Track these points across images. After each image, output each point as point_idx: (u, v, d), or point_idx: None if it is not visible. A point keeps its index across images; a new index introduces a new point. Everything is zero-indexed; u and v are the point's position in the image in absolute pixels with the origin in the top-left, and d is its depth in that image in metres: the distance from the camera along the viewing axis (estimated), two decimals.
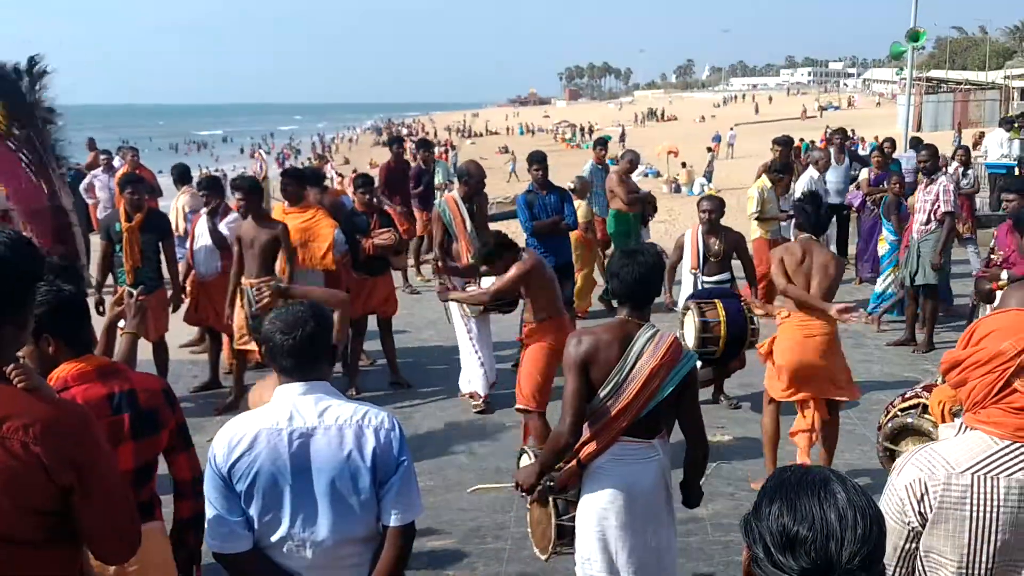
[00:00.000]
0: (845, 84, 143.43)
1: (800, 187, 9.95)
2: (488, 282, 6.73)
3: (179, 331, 8.19)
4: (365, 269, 7.63)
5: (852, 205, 11.08)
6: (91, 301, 5.90)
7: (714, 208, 6.95)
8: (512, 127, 77.44)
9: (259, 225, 6.79)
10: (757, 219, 9.42)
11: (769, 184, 9.49)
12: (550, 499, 3.67)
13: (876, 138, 24.06)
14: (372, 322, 7.92)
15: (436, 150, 15.10)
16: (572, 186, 9.80)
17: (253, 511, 2.60)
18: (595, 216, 10.32)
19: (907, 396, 4.67)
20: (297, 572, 2.64)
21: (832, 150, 11.64)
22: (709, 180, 27.96)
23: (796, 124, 53.14)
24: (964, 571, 2.12)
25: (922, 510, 2.11)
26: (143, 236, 7.06)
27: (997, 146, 16.13)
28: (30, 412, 2.02)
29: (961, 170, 11.78)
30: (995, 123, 22.80)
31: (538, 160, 8.13)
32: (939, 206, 8.22)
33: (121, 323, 3.65)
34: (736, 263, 7.14)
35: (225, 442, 2.60)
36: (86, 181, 13.24)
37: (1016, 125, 16.97)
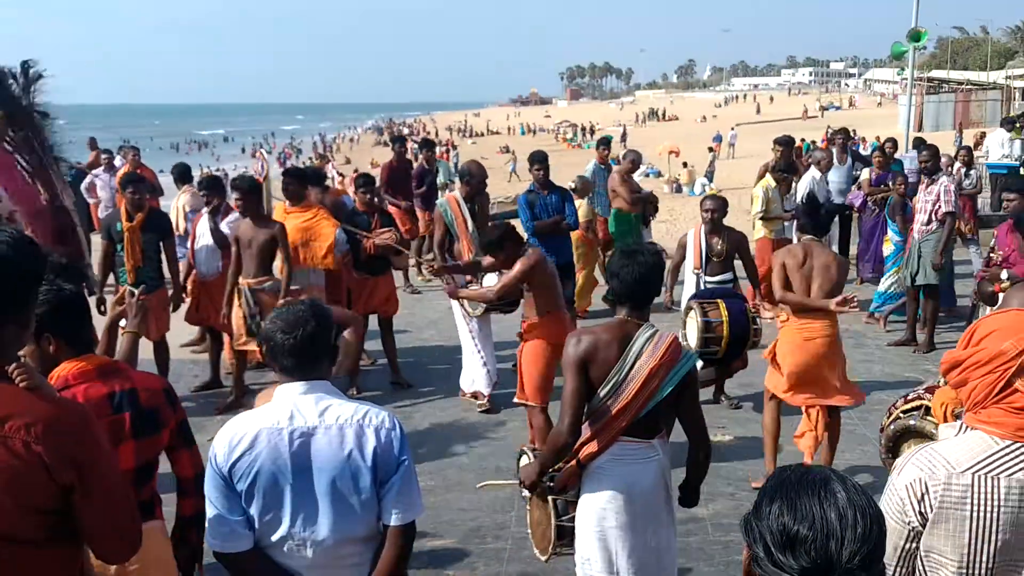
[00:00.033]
0: (846, 84, 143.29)
1: (802, 187, 9.94)
2: (490, 280, 6.74)
3: (180, 330, 8.19)
4: (366, 269, 7.64)
5: (853, 205, 11.06)
6: (92, 301, 5.91)
7: (717, 208, 6.95)
8: (513, 127, 77.42)
9: (257, 225, 6.80)
10: (762, 218, 9.43)
11: (774, 184, 9.50)
12: (550, 500, 3.67)
13: (877, 138, 24.05)
14: (373, 321, 7.93)
15: (437, 150, 15.09)
16: (573, 186, 9.80)
17: (254, 510, 2.60)
18: (597, 216, 10.32)
19: (909, 398, 4.66)
20: (298, 571, 2.64)
21: (835, 150, 11.63)
22: (710, 180, 27.97)
23: (797, 124, 53.12)
24: (964, 571, 2.12)
25: (922, 510, 2.11)
26: (144, 236, 7.06)
27: (998, 146, 16.11)
28: (32, 411, 2.02)
29: (963, 170, 11.77)
30: (996, 123, 22.77)
31: (539, 160, 8.13)
32: (940, 206, 8.22)
33: (122, 322, 3.65)
34: (738, 263, 7.14)
35: (226, 441, 2.60)
36: (87, 180, 13.25)
37: (1017, 125, 16.96)
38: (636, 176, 11.06)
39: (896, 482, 2.18)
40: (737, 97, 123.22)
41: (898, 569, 2.17)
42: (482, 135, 72.19)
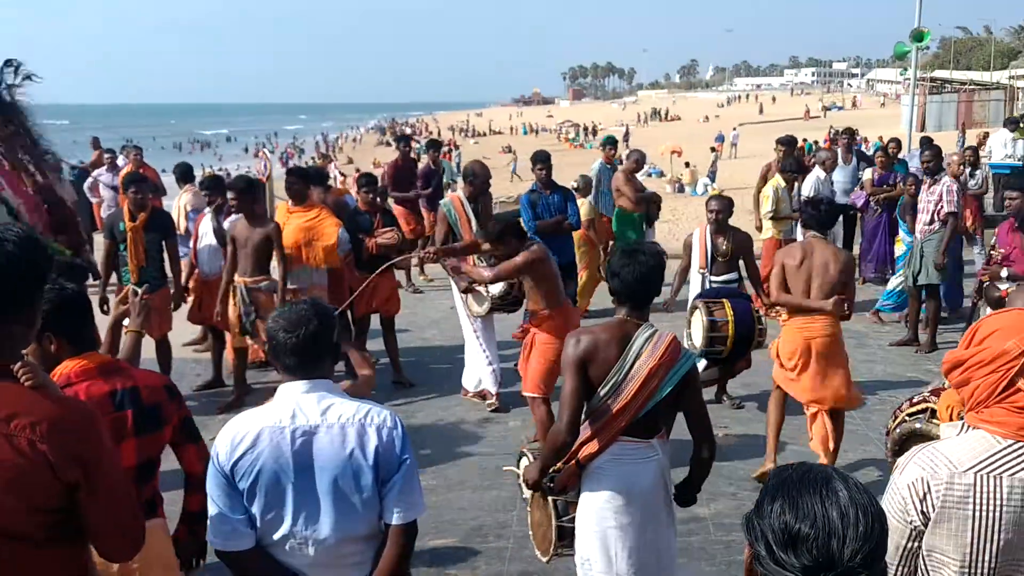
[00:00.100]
0: (849, 84, 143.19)
1: (807, 187, 9.94)
2: (497, 290, 6.76)
3: (182, 330, 8.20)
4: (368, 268, 7.64)
5: (856, 205, 11.05)
6: (95, 300, 5.92)
7: (722, 208, 6.95)
8: (516, 127, 77.40)
9: (252, 224, 6.83)
10: (772, 218, 9.43)
11: (783, 183, 9.50)
12: (550, 500, 3.66)
13: (880, 139, 24.06)
14: (375, 321, 7.93)
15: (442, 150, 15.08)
16: (576, 185, 9.80)
17: (256, 509, 2.60)
18: (599, 215, 10.32)
19: (915, 401, 4.65)
20: (299, 570, 2.65)
21: (839, 150, 11.63)
22: (713, 180, 27.96)
23: (799, 124, 53.11)
24: (967, 570, 2.11)
25: (924, 509, 2.11)
26: (147, 235, 7.09)
27: (1001, 146, 16.09)
28: (36, 410, 2.03)
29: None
30: (999, 123, 22.72)
31: (542, 160, 8.13)
32: (942, 206, 8.21)
33: (126, 321, 3.66)
34: (739, 263, 7.15)
35: (228, 440, 2.60)
36: (90, 180, 13.27)
37: (1021, 125, 16.90)
38: (638, 176, 11.04)
39: (898, 481, 2.18)
40: (740, 97, 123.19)
41: (900, 568, 2.17)
42: (484, 135, 72.18)
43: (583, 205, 9.28)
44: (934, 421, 4.35)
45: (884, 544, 1.49)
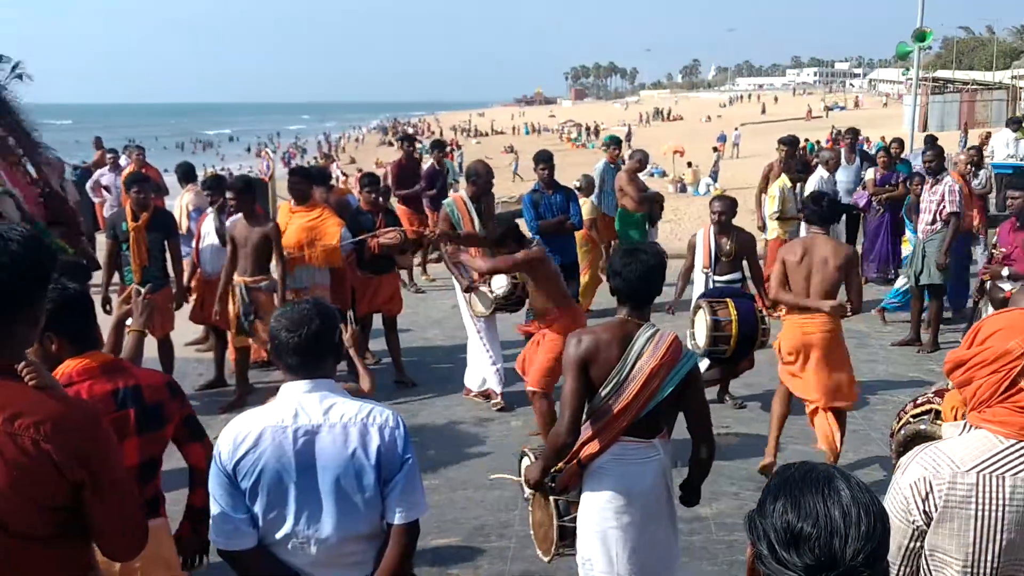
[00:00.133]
0: (851, 84, 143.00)
1: (810, 187, 9.94)
2: (499, 282, 6.77)
3: (185, 329, 8.21)
4: (370, 268, 7.65)
5: (858, 205, 11.05)
6: (97, 299, 5.93)
7: (725, 209, 6.95)
8: (518, 127, 77.37)
9: (251, 224, 6.85)
10: (778, 218, 9.42)
11: (789, 184, 9.49)
12: (551, 500, 3.66)
13: (883, 139, 24.03)
14: (377, 321, 7.93)
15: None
16: (578, 185, 9.80)
17: (258, 508, 2.60)
18: (601, 215, 10.31)
19: (919, 402, 4.65)
20: (301, 569, 2.65)
21: (843, 150, 11.63)
22: (715, 180, 27.96)
23: (801, 124, 53.08)
24: (969, 570, 2.11)
25: (927, 509, 2.11)
26: (149, 235, 7.10)
27: (1004, 146, 16.07)
28: (41, 409, 2.03)
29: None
30: (1002, 123, 22.70)
31: (544, 159, 8.13)
32: (944, 206, 8.21)
33: (128, 321, 3.67)
34: (743, 263, 7.15)
35: (230, 439, 2.60)
36: (92, 179, 13.28)
37: (1023, 125, 16.90)
38: (641, 176, 11.05)
39: (900, 481, 2.18)
40: (742, 97, 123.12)
41: (902, 568, 2.17)
42: (486, 135, 72.15)
43: (585, 205, 9.28)
44: (938, 422, 4.34)
45: (886, 543, 1.49)
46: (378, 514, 2.66)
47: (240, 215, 6.91)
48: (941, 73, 55.05)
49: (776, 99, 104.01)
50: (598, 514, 3.44)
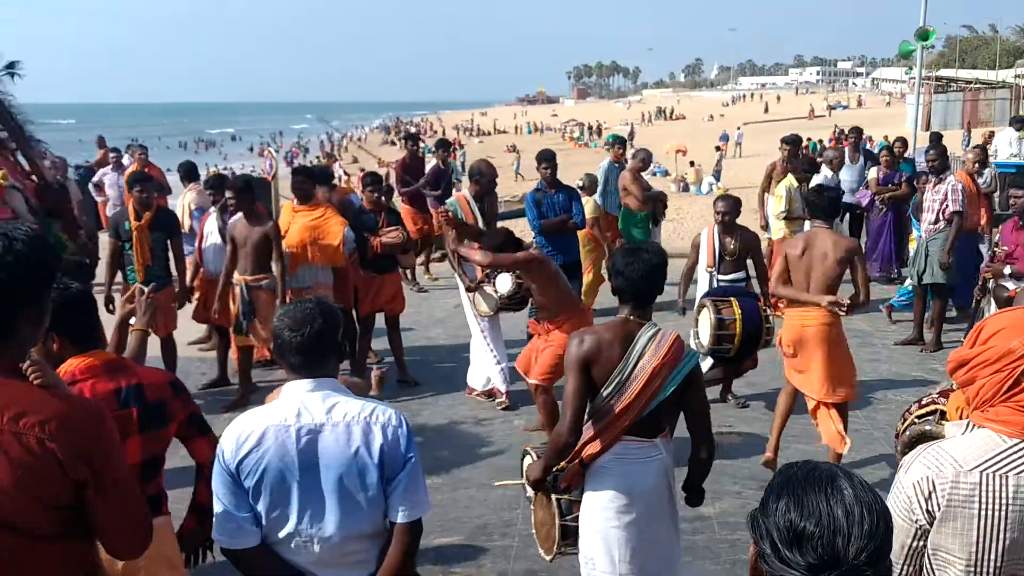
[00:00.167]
0: (854, 83, 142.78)
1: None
2: (503, 281, 6.77)
3: (188, 328, 8.22)
4: (373, 267, 7.65)
5: (861, 204, 11.05)
6: (100, 299, 5.95)
7: (728, 209, 6.95)
8: (520, 126, 77.40)
9: (251, 224, 6.86)
10: (785, 218, 9.41)
11: (796, 183, 9.48)
12: (553, 499, 3.66)
13: (885, 138, 24.00)
14: (380, 320, 7.94)
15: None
16: (581, 184, 9.79)
17: (261, 507, 2.60)
18: (604, 213, 10.30)
19: (924, 403, 4.64)
20: (304, 568, 2.65)
21: (847, 149, 11.61)
22: (717, 179, 27.95)
23: (804, 123, 53.04)
24: (972, 569, 2.11)
25: (930, 508, 2.11)
26: (152, 234, 7.11)
27: (1007, 145, 16.04)
28: (45, 408, 2.03)
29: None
30: (1005, 122, 22.64)
31: (547, 158, 8.13)
32: (947, 205, 8.20)
33: (132, 320, 3.68)
34: (749, 262, 7.15)
35: (233, 438, 2.61)
36: (95, 179, 13.30)
37: None
38: (644, 175, 11.04)
39: (903, 480, 2.17)
40: (744, 96, 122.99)
41: (905, 567, 2.16)
42: (489, 134, 72.17)
43: (588, 204, 9.28)
44: (943, 423, 4.34)
45: (889, 542, 1.49)
46: (381, 513, 2.66)
47: (240, 214, 6.92)
48: (944, 72, 54.88)
49: (779, 98, 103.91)
50: (600, 513, 3.44)
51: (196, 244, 7.88)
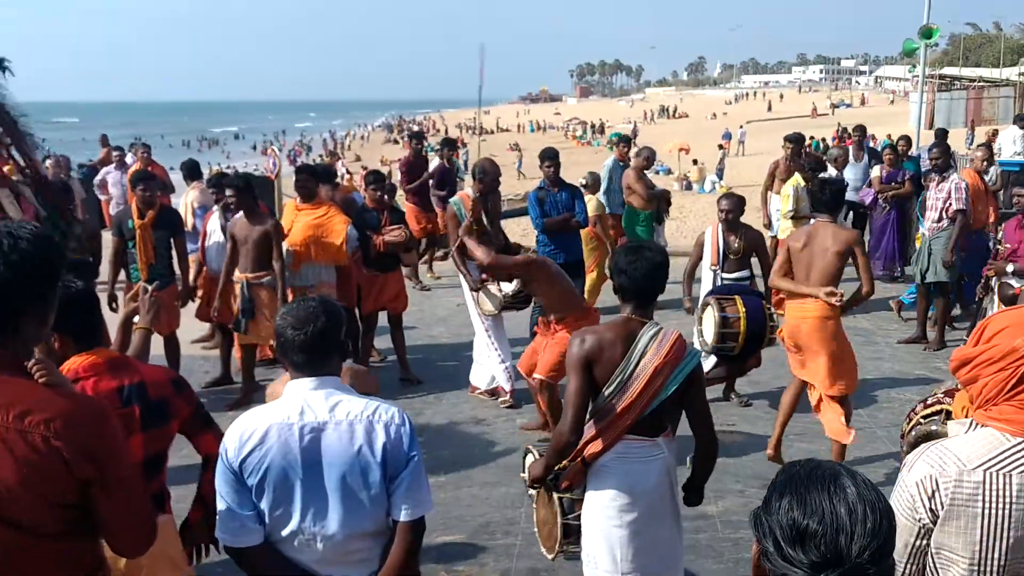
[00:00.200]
0: (857, 82, 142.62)
1: None
2: (505, 288, 6.79)
3: (191, 327, 8.23)
4: (376, 266, 7.66)
5: (864, 203, 11.03)
6: (103, 297, 5.96)
7: (732, 208, 6.95)
8: (523, 124, 77.40)
9: (251, 222, 6.88)
10: (792, 217, 9.40)
11: (803, 183, 9.46)
12: (555, 498, 3.66)
13: (889, 136, 23.95)
14: (383, 318, 7.94)
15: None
16: (584, 182, 9.79)
17: (264, 505, 2.61)
18: (611, 213, 10.30)
19: (929, 403, 4.64)
20: (307, 566, 2.65)
21: (851, 147, 11.60)
22: (720, 178, 27.93)
23: (807, 122, 52.99)
24: (976, 568, 2.11)
25: (933, 507, 2.11)
26: (155, 232, 7.12)
27: (1011, 143, 16.01)
28: (51, 407, 2.04)
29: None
30: (1009, 120, 22.63)
31: (550, 157, 8.12)
32: (951, 203, 8.19)
33: (135, 318, 3.68)
34: (754, 260, 7.14)
35: (236, 437, 2.61)
36: (98, 177, 13.31)
37: None
38: (647, 173, 11.03)
39: (906, 479, 2.17)
40: (747, 94, 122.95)
41: (909, 566, 2.16)
42: (492, 132, 72.15)
43: (591, 202, 9.27)
44: (949, 423, 4.33)
45: (892, 540, 1.49)
46: (384, 511, 2.66)
47: (241, 212, 6.94)
48: (948, 70, 54.80)
49: (782, 96, 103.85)
50: (602, 512, 3.44)
51: (199, 243, 7.89)
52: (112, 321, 3.62)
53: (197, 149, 64.27)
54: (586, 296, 9.03)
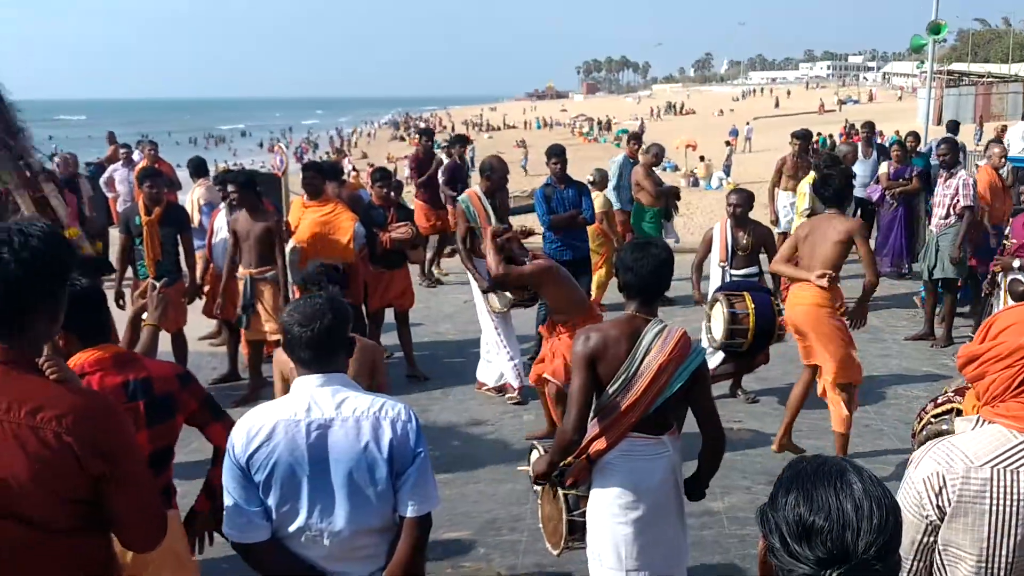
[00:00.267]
0: (865, 78, 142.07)
1: None
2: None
3: (198, 324, 8.25)
4: (382, 263, 7.67)
5: (872, 199, 11.00)
6: (110, 294, 5.98)
7: (741, 202, 6.95)
8: (529, 121, 77.33)
9: (253, 218, 6.89)
10: (808, 215, 9.38)
11: None
12: (560, 495, 3.66)
13: (897, 132, 23.88)
14: (389, 315, 7.95)
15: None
16: (591, 179, 9.78)
17: (271, 501, 2.62)
18: (620, 210, 10.28)
19: (939, 402, 4.62)
20: (314, 562, 2.66)
21: (860, 144, 11.56)
22: (727, 174, 27.88)
23: (814, 118, 52.83)
24: (984, 565, 2.10)
25: (940, 503, 2.10)
26: (162, 229, 7.14)
27: (1020, 139, 15.95)
28: (62, 403, 2.05)
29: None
30: (1018, 116, 22.53)
31: (557, 154, 8.11)
32: (958, 200, 8.17)
33: (144, 315, 3.70)
34: (763, 256, 7.13)
35: (243, 433, 2.62)
36: (106, 175, 13.33)
37: None
38: (655, 170, 11.02)
39: (913, 476, 2.17)
40: (754, 91, 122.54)
41: (915, 563, 2.16)
42: (498, 129, 72.12)
43: (597, 199, 9.26)
44: (956, 420, 4.32)
45: (898, 537, 1.49)
46: (390, 507, 2.67)
47: (243, 209, 6.95)
48: (956, 66, 54.48)
49: (789, 93, 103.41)
50: (606, 510, 3.44)
51: (206, 239, 7.91)
52: (120, 318, 3.64)
53: (204, 146, 64.38)
54: (594, 292, 9.04)
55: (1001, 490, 2.07)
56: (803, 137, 10.65)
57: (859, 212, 11.19)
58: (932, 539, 2.13)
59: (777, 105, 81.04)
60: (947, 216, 8.26)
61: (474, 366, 7.49)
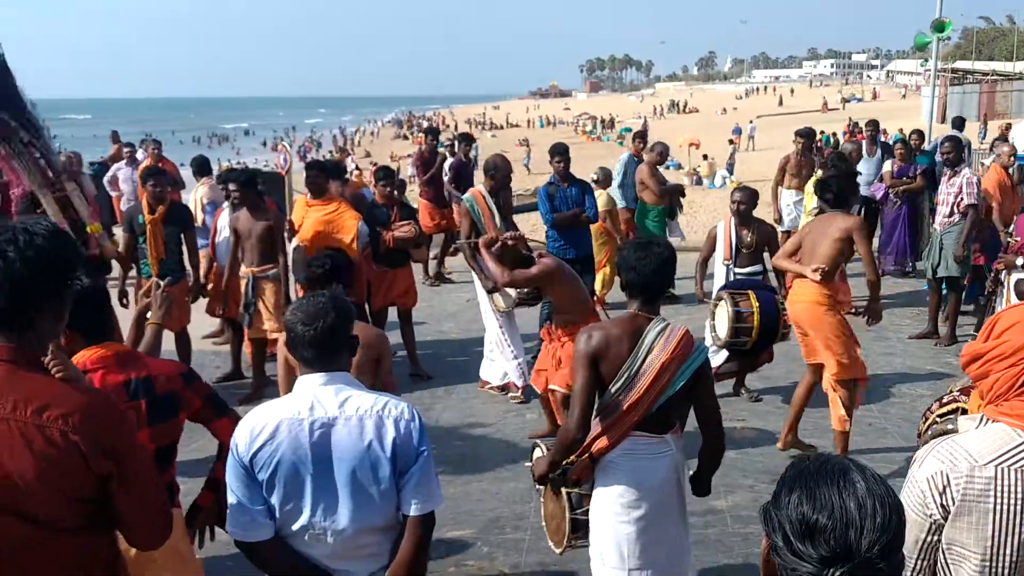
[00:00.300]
0: (868, 76, 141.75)
1: None
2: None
3: (201, 322, 8.26)
4: (385, 261, 7.67)
5: (875, 197, 10.98)
6: (114, 293, 5.99)
7: (745, 200, 6.95)
8: (533, 120, 77.30)
9: (255, 217, 6.91)
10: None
11: None
12: (564, 493, 3.66)
13: (901, 131, 23.84)
14: (392, 314, 7.96)
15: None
16: (595, 177, 9.78)
17: (274, 500, 2.62)
18: (624, 208, 10.27)
19: (945, 401, 4.61)
20: (318, 560, 2.66)
21: (864, 142, 11.53)
22: (731, 172, 27.84)
23: (818, 117, 52.78)
24: (988, 564, 2.10)
25: (944, 502, 2.10)
26: (166, 228, 7.15)
27: (1023, 138, 15.93)
28: (68, 402, 2.05)
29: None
30: (1022, 114, 22.48)
31: (560, 152, 8.11)
32: (962, 198, 8.15)
33: (148, 314, 3.70)
34: (766, 255, 7.13)
35: (247, 431, 2.62)
36: (109, 174, 13.37)
37: None
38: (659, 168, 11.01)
39: (917, 475, 2.16)
40: (758, 89, 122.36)
41: (920, 562, 2.15)
42: (502, 128, 72.12)
43: (601, 197, 9.26)
44: (960, 418, 4.31)
45: (901, 535, 1.49)
46: (394, 506, 2.67)
47: (244, 207, 6.97)
48: (960, 64, 54.45)
49: (792, 91, 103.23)
50: (609, 509, 3.44)
51: (209, 238, 7.91)
52: (124, 317, 3.64)
53: (207, 145, 64.39)
54: (600, 289, 9.03)
55: (1005, 489, 2.07)
56: (807, 135, 10.63)
57: (863, 210, 11.17)
58: (936, 538, 2.13)
59: (780, 103, 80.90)
60: (951, 214, 8.25)
61: (477, 365, 7.49)
